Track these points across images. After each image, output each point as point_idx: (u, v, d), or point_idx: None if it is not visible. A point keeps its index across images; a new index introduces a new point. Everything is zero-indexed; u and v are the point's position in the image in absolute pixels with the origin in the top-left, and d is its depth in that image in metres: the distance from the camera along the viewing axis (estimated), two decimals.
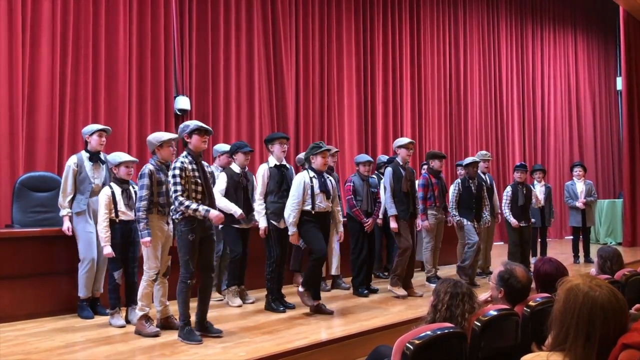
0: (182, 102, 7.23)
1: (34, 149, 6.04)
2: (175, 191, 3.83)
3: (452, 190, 6.31)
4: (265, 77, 8.11)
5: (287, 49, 8.36)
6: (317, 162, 4.85)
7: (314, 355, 3.75)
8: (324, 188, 4.80)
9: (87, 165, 4.67)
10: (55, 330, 4.21)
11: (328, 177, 4.96)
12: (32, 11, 6.07)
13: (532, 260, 7.92)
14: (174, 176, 3.85)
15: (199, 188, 3.92)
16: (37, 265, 4.61)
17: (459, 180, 6.31)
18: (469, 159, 6.51)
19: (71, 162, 4.66)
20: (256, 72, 7.95)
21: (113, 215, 4.36)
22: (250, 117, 7.90)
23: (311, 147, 4.96)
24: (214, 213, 3.87)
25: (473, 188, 6.24)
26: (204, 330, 3.98)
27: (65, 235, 4.62)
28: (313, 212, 4.76)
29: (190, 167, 3.91)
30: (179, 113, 7.26)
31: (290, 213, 4.72)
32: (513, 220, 6.82)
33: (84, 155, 4.71)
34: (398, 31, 9.97)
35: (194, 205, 3.84)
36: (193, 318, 4.03)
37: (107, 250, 4.30)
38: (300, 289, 4.76)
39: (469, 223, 6.13)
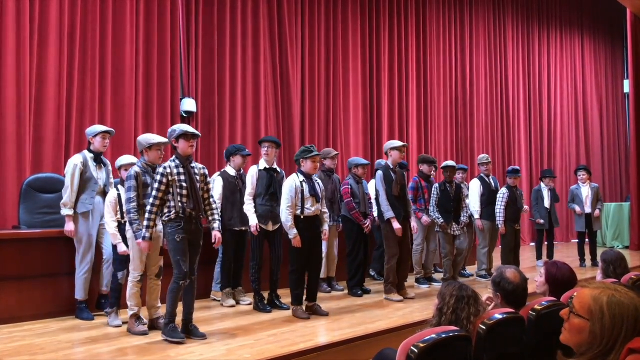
0: (189, 104, 7.25)
1: (40, 150, 6.06)
2: (150, 196, 3.94)
3: (432, 193, 6.33)
4: (271, 79, 8.13)
5: (293, 51, 8.37)
6: (307, 166, 4.86)
7: (318, 357, 3.75)
8: (313, 192, 4.84)
9: (92, 165, 4.69)
10: (61, 331, 4.23)
11: (317, 181, 5.00)
12: (40, 13, 6.10)
13: (538, 263, 7.92)
14: (154, 181, 3.96)
15: (184, 192, 3.96)
16: (44, 266, 4.63)
17: (437, 184, 6.34)
18: (446, 163, 6.54)
19: (77, 161, 4.65)
20: (262, 74, 7.97)
21: (119, 216, 4.43)
22: (256, 120, 7.92)
23: (302, 150, 4.95)
24: (143, 244, 3.95)
25: (451, 191, 6.27)
26: (189, 333, 4.01)
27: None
28: (302, 217, 4.79)
29: (175, 171, 3.96)
30: (185, 115, 7.28)
31: (286, 218, 4.73)
32: (502, 227, 6.82)
33: (88, 155, 4.72)
34: (404, 33, 9.97)
35: (138, 226, 4.01)
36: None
37: (122, 248, 4.36)
38: (292, 307, 4.81)
39: (449, 230, 6.17)
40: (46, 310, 4.60)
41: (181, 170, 3.98)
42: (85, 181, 4.64)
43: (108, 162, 4.91)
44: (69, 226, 4.59)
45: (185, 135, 3.98)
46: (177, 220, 3.93)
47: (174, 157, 4.05)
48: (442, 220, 6.19)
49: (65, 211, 4.60)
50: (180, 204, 3.93)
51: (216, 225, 4.20)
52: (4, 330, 4.20)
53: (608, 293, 1.77)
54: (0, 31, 5.84)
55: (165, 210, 3.95)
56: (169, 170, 3.95)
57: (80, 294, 4.60)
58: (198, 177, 4.06)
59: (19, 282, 4.51)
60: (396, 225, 5.45)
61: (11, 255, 4.48)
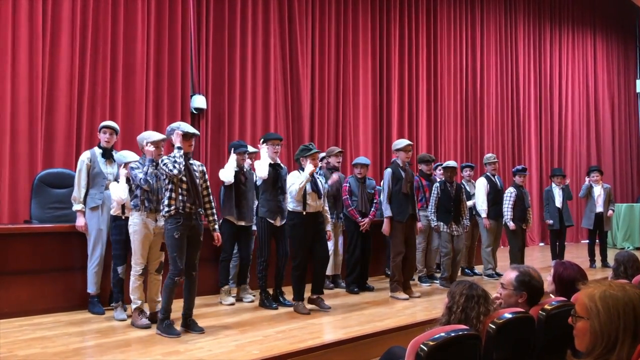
0: (199, 101, 7.28)
1: (52, 146, 6.12)
2: (165, 164, 3.97)
3: (432, 193, 6.32)
4: (280, 77, 8.13)
5: (303, 48, 8.37)
6: (306, 164, 4.90)
7: (327, 354, 3.76)
8: (315, 188, 4.89)
9: (100, 160, 4.75)
10: (72, 325, 4.27)
11: (319, 177, 5.05)
12: (52, 11, 6.15)
13: (552, 263, 7.88)
14: (163, 166, 3.99)
15: (184, 185, 4.03)
16: (55, 260, 4.68)
17: (437, 184, 6.32)
18: (447, 163, 6.54)
19: (84, 157, 4.75)
20: (272, 72, 7.97)
21: (119, 212, 4.46)
22: (266, 117, 7.93)
23: (301, 149, 5.01)
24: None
25: (451, 191, 6.26)
26: (187, 327, 4.06)
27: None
28: (304, 213, 4.83)
29: None
30: (195, 112, 7.31)
31: (296, 187, 4.77)
32: (512, 225, 6.83)
33: (97, 151, 4.79)
34: (414, 31, 9.94)
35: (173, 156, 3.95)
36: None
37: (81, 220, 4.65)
38: (294, 302, 4.86)
39: (445, 230, 6.19)
40: (57, 304, 4.64)
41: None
42: (93, 176, 4.73)
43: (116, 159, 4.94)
44: (80, 221, 4.67)
45: (185, 135, 4.06)
46: (177, 217, 3.99)
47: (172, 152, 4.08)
48: (436, 223, 6.21)
49: (75, 206, 4.70)
50: (180, 199, 3.99)
51: (216, 226, 4.31)
52: (15, 324, 4.24)
53: (601, 289, 1.78)
54: (13, 29, 5.90)
55: (166, 203, 4.00)
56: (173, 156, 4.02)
57: (91, 287, 4.66)
58: (197, 174, 4.14)
59: (31, 276, 4.55)
60: (385, 226, 5.55)
61: (23, 250, 4.53)
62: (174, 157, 3.95)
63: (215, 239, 4.31)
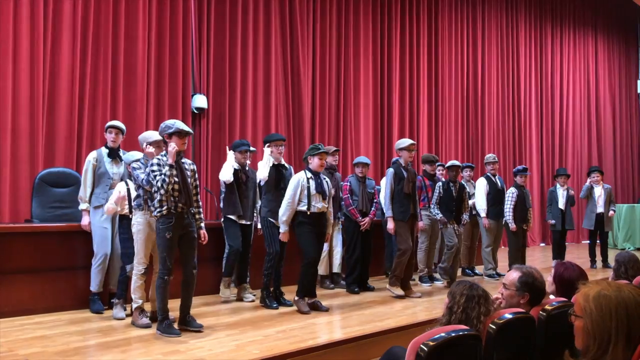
0: (200, 101, 7.28)
1: (53, 145, 6.13)
2: (154, 174, 3.97)
3: (434, 191, 6.34)
4: (282, 76, 8.13)
5: (304, 48, 8.37)
6: (314, 163, 4.91)
7: (327, 354, 3.76)
8: (320, 189, 4.87)
9: (106, 160, 4.78)
10: (72, 324, 4.27)
11: (324, 178, 5.03)
12: (53, 10, 6.16)
13: (553, 263, 7.89)
14: (151, 171, 3.99)
15: (176, 186, 4.01)
16: (56, 259, 4.68)
17: (440, 183, 6.35)
18: (450, 163, 6.58)
19: (91, 157, 4.79)
20: (273, 72, 7.98)
21: (127, 210, 4.47)
22: (267, 117, 7.93)
23: (310, 148, 5.03)
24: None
25: (454, 191, 6.28)
26: (186, 324, 4.07)
27: (83, 230, 4.70)
28: (308, 213, 4.82)
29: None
30: (196, 111, 7.32)
31: (284, 212, 4.80)
32: (513, 226, 6.84)
33: (103, 151, 4.83)
34: (416, 31, 9.94)
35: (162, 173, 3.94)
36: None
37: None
38: (295, 297, 4.86)
39: (450, 225, 6.22)
40: (58, 303, 4.64)
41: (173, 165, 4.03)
42: (99, 176, 4.75)
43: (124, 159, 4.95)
44: (85, 220, 4.70)
45: (179, 133, 4.03)
46: (169, 217, 3.98)
47: (164, 152, 4.09)
48: (441, 215, 6.21)
49: (81, 205, 4.74)
50: (172, 199, 3.99)
51: (202, 224, 4.29)
52: (16, 322, 4.24)
53: (596, 289, 1.79)
54: (14, 28, 5.90)
55: (157, 205, 3.99)
56: (162, 164, 4.01)
57: (94, 285, 4.67)
58: (188, 173, 4.13)
59: (32, 275, 4.55)
60: (389, 224, 5.54)
61: (24, 249, 4.53)
62: (164, 174, 3.93)
63: (201, 237, 4.28)
